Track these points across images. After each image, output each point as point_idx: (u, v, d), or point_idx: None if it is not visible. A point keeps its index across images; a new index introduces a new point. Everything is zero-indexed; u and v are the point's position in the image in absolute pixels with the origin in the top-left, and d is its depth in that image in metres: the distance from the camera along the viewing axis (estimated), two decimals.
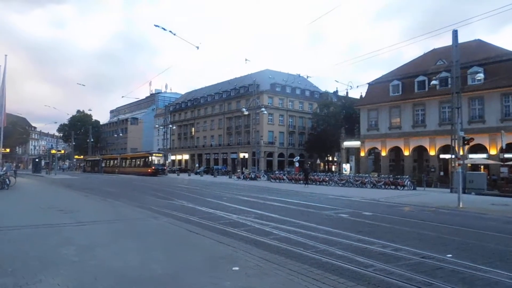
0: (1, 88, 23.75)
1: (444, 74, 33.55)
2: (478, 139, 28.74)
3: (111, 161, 66.99)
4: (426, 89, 37.24)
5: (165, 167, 54.86)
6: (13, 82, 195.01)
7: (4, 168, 24.38)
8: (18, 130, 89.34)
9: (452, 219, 12.42)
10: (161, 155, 55.92)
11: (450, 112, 29.53)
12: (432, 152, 36.90)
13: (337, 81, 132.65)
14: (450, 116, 28.72)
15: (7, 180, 20.10)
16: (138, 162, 56.72)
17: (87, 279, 4.81)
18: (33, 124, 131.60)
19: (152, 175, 48.31)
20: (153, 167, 51.67)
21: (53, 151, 62.15)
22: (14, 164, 30.70)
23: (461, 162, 21.59)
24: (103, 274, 4.98)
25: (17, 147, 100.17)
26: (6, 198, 15.81)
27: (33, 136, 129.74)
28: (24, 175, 40.87)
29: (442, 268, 6.14)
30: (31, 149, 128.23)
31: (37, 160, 58.43)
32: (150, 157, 53.77)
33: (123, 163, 61.61)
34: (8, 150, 59.54)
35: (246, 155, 62.27)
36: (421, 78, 38.04)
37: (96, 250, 6.50)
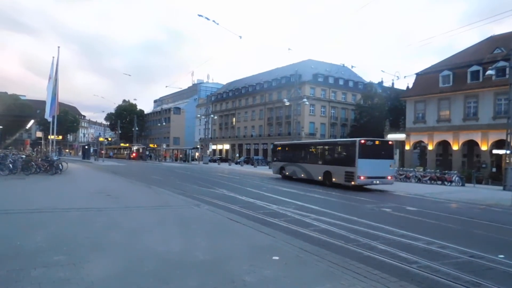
0: (54, 79, 25.14)
1: (501, 63, 31.30)
2: None
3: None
4: (480, 79, 35.03)
5: (142, 154, 74.00)
6: (65, 72, 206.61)
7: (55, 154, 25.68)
8: (69, 118, 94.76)
9: (504, 218, 11.72)
10: (137, 147, 77.19)
11: (506, 104, 27.65)
12: (484, 147, 34.84)
13: (383, 71, 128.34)
14: (507, 109, 26.86)
15: (60, 165, 21.38)
16: (128, 151, 77.13)
17: (133, 261, 5.03)
18: (83, 113, 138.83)
19: (135, 159, 68.62)
20: (134, 154, 72.28)
21: (101, 139, 65.72)
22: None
23: None
24: (148, 257, 5.18)
25: (68, 135, 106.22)
26: (60, 182, 16.84)
27: (83, 124, 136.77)
28: (74, 161, 43.28)
29: (493, 268, 5.83)
30: (81, 136, 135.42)
31: (86, 147, 61.67)
32: (132, 148, 75.34)
33: (121, 151, 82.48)
34: (60, 137, 64.15)
35: None
36: (475, 67, 35.79)
37: (141, 234, 6.78)
